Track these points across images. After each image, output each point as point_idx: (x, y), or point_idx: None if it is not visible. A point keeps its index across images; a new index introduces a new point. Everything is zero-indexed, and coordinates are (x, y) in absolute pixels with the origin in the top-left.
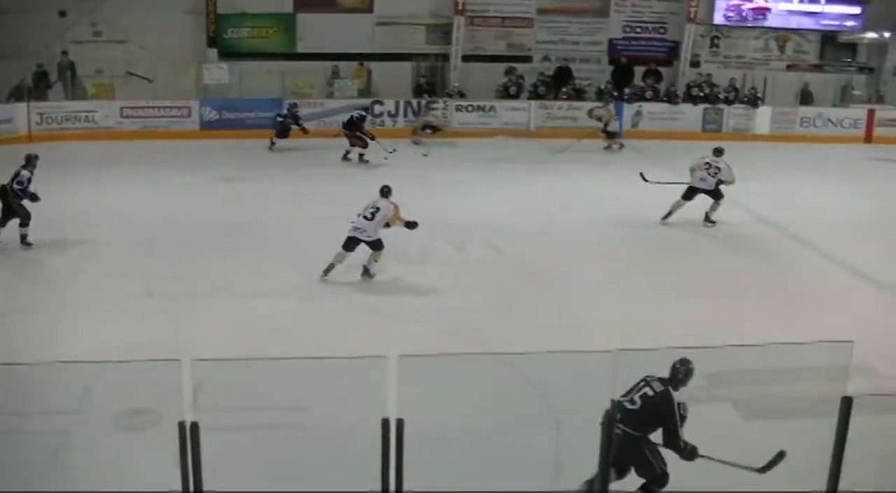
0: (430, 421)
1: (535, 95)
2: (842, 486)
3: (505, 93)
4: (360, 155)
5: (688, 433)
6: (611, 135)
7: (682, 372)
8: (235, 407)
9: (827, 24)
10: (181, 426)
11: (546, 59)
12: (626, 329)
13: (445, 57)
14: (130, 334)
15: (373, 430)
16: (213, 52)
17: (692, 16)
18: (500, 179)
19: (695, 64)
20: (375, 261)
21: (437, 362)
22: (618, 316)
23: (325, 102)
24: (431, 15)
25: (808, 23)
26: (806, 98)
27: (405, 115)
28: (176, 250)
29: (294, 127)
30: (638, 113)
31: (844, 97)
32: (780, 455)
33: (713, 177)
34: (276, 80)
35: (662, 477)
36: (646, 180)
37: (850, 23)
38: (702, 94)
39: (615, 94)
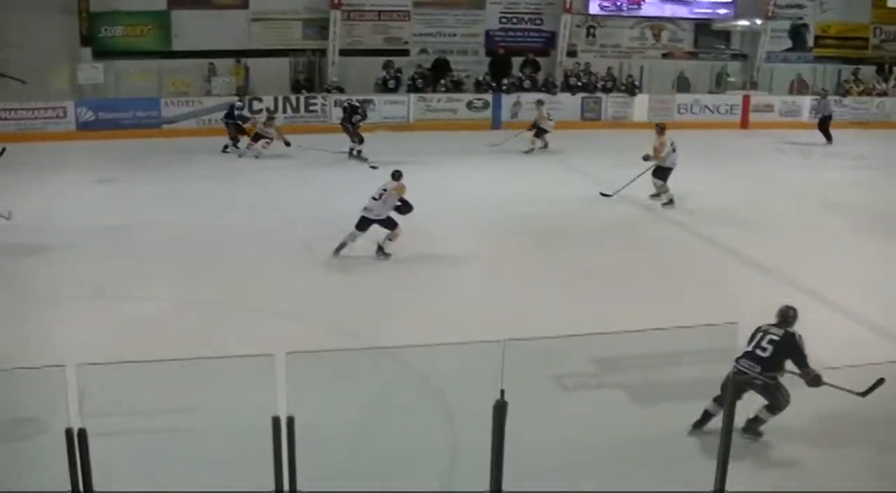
0: (321, 419)
1: (413, 89)
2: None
3: (383, 87)
4: (359, 151)
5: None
6: (541, 133)
7: (791, 315)
8: (123, 411)
9: (700, 12)
10: (69, 432)
11: (423, 51)
12: (513, 318)
13: (323, 52)
14: (12, 341)
15: (264, 429)
16: (87, 51)
17: (568, 6)
18: (382, 172)
19: (572, 54)
20: (390, 240)
21: (325, 358)
22: (504, 306)
23: (203, 100)
24: (307, 10)
25: (682, 11)
26: (682, 85)
27: (284, 111)
28: (56, 254)
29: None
30: (517, 104)
31: (720, 84)
32: (880, 381)
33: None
34: (152, 79)
35: (783, 409)
36: (608, 195)
37: (722, 11)
38: (579, 83)
39: (494, 84)
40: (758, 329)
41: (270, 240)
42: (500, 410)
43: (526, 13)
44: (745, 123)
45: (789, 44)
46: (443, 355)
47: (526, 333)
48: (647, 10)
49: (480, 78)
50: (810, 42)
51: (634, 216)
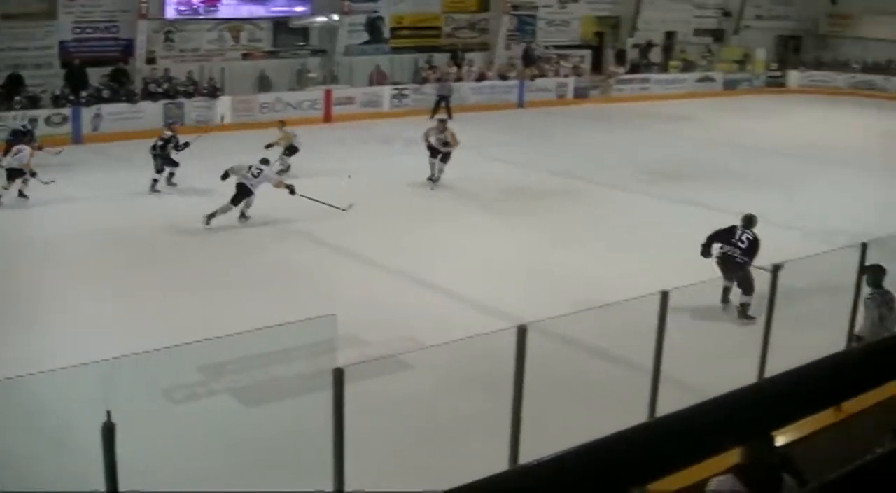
0: None
1: None
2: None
3: None
4: (171, 175)
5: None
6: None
7: (754, 220)
8: None
9: (277, 10)
10: None
11: None
12: (119, 335)
13: None
14: None
15: None
16: None
17: (143, 12)
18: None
19: (151, 60)
20: (248, 206)
21: None
22: (108, 324)
23: None
24: None
25: (259, 11)
26: (264, 84)
27: None
28: None
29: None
30: (97, 116)
31: (301, 80)
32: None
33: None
34: None
35: (753, 288)
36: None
37: (299, 8)
38: (160, 89)
39: (73, 97)
40: (734, 227)
41: None
42: (108, 432)
43: (101, 21)
44: (328, 117)
45: (366, 37)
46: (45, 384)
47: (131, 349)
48: (225, 11)
49: (58, 92)
50: (387, 34)
51: (228, 223)
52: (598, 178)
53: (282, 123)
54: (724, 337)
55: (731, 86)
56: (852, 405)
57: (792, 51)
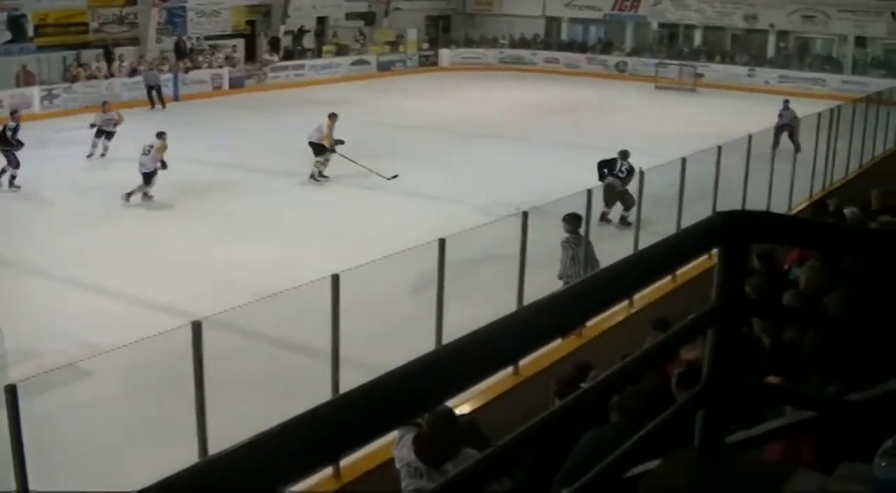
0: None
1: None
2: None
3: None
4: (13, 177)
5: None
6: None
7: (629, 153)
8: None
9: None
10: None
11: None
12: None
13: None
14: None
15: None
16: None
17: None
18: None
19: None
20: (145, 194)
21: None
22: None
23: None
24: None
25: None
26: None
27: None
28: None
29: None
30: None
31: None
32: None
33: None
34: None
35: (633, 202)
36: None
37: None
38: None
39: None
40: (614, 160)
41: None
42: None
43: None
44: None
45: (9, 36)
46: None
47: None
48: None
49: None
50: (31, 32)
51: None
52: (261, 166)
53: (106, 105)
54: (399, 315)
55: (385, 67)
56: (528, 368)
57: (442, 30)
